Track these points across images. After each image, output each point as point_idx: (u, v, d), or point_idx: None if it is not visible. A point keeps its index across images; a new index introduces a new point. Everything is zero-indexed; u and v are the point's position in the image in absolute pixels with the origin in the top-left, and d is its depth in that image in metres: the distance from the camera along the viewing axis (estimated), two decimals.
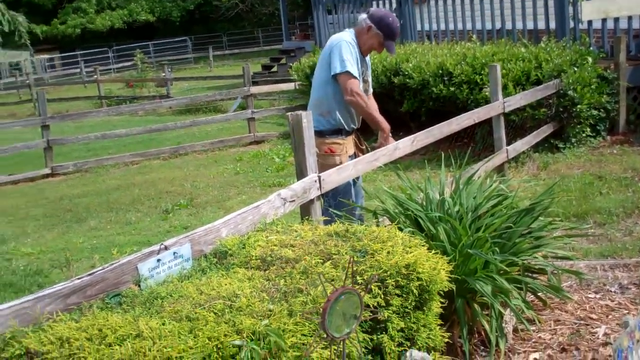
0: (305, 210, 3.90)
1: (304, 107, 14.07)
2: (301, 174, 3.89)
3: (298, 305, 2.31)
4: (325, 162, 4.80)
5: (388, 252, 2.78)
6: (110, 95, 22.78)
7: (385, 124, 5.00)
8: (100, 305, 2.64)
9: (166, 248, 3.00)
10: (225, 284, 2.59)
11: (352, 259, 2.09)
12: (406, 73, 9.73)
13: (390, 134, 5.11)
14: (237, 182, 9.84)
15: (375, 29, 4.87)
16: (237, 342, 2.04)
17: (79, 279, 2.70)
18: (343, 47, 4.80)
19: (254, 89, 13.71)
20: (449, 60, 9.30)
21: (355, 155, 5.04)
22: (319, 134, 4.83)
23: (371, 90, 5.26)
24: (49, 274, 6.39)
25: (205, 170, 11.05)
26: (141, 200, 9.19)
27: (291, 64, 14.07)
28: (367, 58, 5.17)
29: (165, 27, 42.69)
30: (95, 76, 23.54)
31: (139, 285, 2.83)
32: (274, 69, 22.84)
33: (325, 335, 2.00)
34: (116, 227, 8.00)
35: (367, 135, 5.51)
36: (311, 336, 2.18)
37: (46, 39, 39.14)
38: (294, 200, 3.70)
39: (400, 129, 9.53)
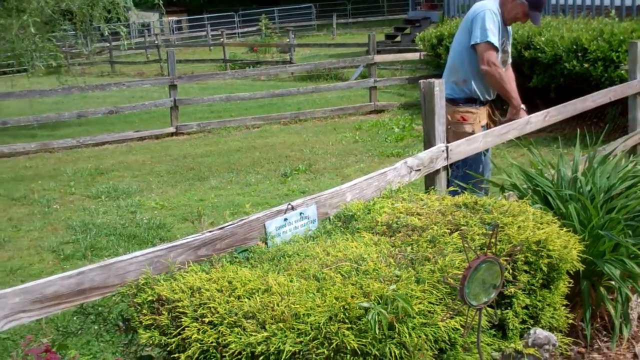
0: (430, 180, 3.87)
1: (427, 78, 13.82)
2: (429, 142, 3.85)
3: (426, 273, 2.30)
4: (457, 130, 4.81)
5: (519, 227, 2.72)
6: (235, 59, 23.28)
7: (517, 100, 4.93)
8: (229, 259, 2.73)
9: (293, 208, 3.06)
10: (352, 247, 2.61)
11: (496, 226, 2.05)
12: (538, 47, 9.40)
13: (523, 109, 4.99)
14: (355, 150, 9.88)
15: None
16: (365, 304, 2.06)
17: (210, 232, 2.79)
18: (487, 15, 4.73)
19: (378, 58, 13.64)
20: (585, 35, 8.91)
21: (487, 127, 4.98)
22: (452, 101, 4.83)
23: (510, 60, 5.18)
24: (171, 228, 6.66)
25: (324, 137, 11.14)
26: (261, 163, 9.39)
27: (417, 34, 13.87)
28: (509, 28, 5.08)
29: None
30: (222, 39, 24.09)
31: (266, 243, 2.90)
32: (398, 38, 22.60)
33: (460, 303, 1.99)
34: (236, 188, 8.22)
35: (502, 108, 5.39)
36: (438, 304, 2.17)
37: (175, 2, 40.44)
38: (419, 170, 3.67)
39: (527, 105, 9.21)
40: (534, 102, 9.67)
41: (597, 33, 8.87)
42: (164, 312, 2.31)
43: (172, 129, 12.32)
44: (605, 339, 3.64)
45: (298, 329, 2.08)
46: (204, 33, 34.67)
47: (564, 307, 3.05)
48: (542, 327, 2.89)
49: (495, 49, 4.74)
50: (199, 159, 10.04)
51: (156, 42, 28.30)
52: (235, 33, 35.66)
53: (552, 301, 2.92)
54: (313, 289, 2.26)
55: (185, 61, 23.19)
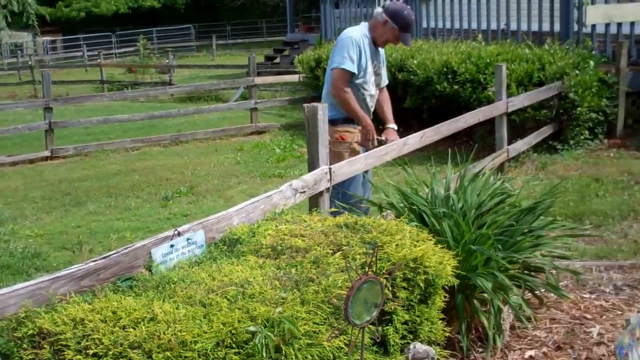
0: (314, 201, 3.97)
1: (306, 100, 14.05)
2: (313, 165, 3.96)
3: (310, 294, 2.37)
4: (336, 149, 4.96)
5: (397, 245, 2.85)
6: (113, 80, 22.78)
7: (366, 121, 5.07)
8: (112, 289, 2.70)
9: (179, 234, 3.06)
10: (238, 271, 2.65)
11: (376, 246, 2.15)
12: (411, 69, 9.80)
13: (393, 130, 5.21)
14: (237, 171, 9.90)
15: (391, 22, 5.00)
16: (252, 329, 2.11)
17: (93, 261, 2.76)
18: (347, 43, 4.95)
19: (259, 80, 13.75)
20: (454, 58, 9.37)
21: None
22: (332, 122, 4.93)
23: (385, 82, 5.41)
24: (47, 257, 6.44)
25: (205, 158, 11.10)
26: (141, 187, 9.24)
27: (295, 56, 14.11)
28: (382, 51, 5.29)
29: (169, 14, 42.64)
30: (99, 60, 23.51)
31: (150, 270, 2.89)
32: (277, 60, 22.86)
33: (344, 322, 2.07)
34: (115, 212, 8.05)
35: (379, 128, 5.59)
36: (323, 324, 2.25)
37: (49, 22, 39.09)
38: (304, 192, 3.77)
39: (401, 126, 9.54)
40: (409, 122, 10.06)
41: (466, 56, 9.35)
42: (45, 346, 2.27)
43: (47, 153, 11.90)
44: (480, 350, 3.84)
45: (185, 357, 2.10)
46: (79, 53, 33.69)
47: (441, 321, 3.20)
48: (421, 341, 3.03)
49: (349, 75, 4.93)
50: (76, 183, 9.75)
51: (29, 62, 27.25)
52: (112, 53, 34.91)
53: (430, 316, 3.07)
54: (200, 315, 2.28)
55: (60, 82, 22.43)
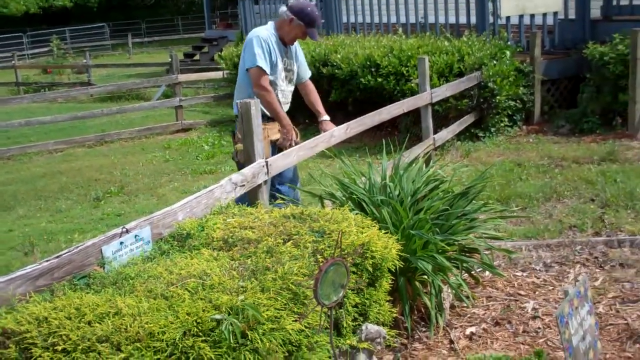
0: (253, 195, 4.06)
1: (231, 97, 14.00)
2: (249, 159, 4.04)
3: (269, 282, 2.47)
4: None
5: (344, 232, 2.98)
6: (28, 81, 22.13)
7: (285, 120, 5.21)
8: (69, 287, 2.73)
9: (127, 231, 3.10)
10: (193, 264, 2.72)
11: (340, 232, 2.27)
12: (335, 64, 9.95)
13: (291, 131, 5.26)
14: (167, 169, 9.86)
15: (296, 20, 5.15)
16: (218, 317, 2.19)
17: (47, 261, 2.78)
18: (254, 42, 5.09)
19: (182, 77, 13.67)
20: (377, 52, 9.58)
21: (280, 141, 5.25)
22: None
23: (307, 75, 5.58)
24: None
25: (133, 157, 10.99)
26: (70, 188, 9.09)
27: (219, 52, 14.08)
28: (294, 48, 5.41)
29: (82, 13, 41.61)
30: (13, 62, 22.76)
31: (103, 267, 2.93)
32: (197, 57, 22.70)
33: (303, 306, 2.18)
34: (46, 215, 7.92)
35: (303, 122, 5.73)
36: (284, 310, 2.35)
37: None
38: (244, 185, 3.85)
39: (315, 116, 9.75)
40: (335, 115, 10.22)
41: (388, 49, 9.56)
42: (11, 345, 2.29)
43: None
44: (424, 329, 4.02)
45: (154, 347, 2.17)
46: None
47: (387, 303, 3.35)
48: (371, 323, 3.17)
49: (265, 72, 5.07)
50: (1, 187, 9.51)
51: None
52: (24, 54, 33.81)
53: (378, 298, 3.21)
54: (164, 307, 2.35)
55: None
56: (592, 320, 2.82)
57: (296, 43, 5.41)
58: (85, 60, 22.08)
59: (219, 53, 13.75)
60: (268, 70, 5.08)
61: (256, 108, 4.04)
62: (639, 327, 3.92)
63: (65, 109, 16.46)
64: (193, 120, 13.63)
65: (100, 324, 2.31)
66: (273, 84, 5.18)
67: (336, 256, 2.27)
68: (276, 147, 5.18)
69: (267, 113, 5.16)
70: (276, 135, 5.24)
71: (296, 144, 5.16)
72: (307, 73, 5.58)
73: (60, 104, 18.28)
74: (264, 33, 5.14)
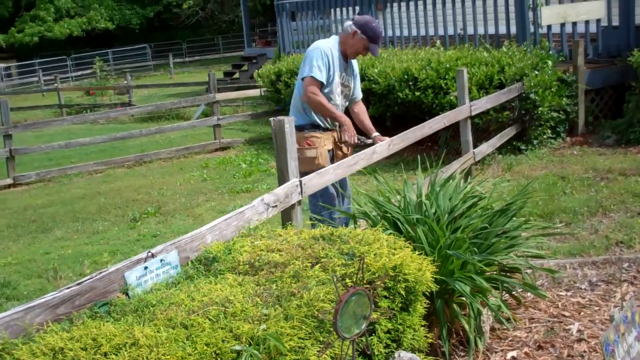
0: (286, 215, 3.94)
1: (269, 114, 14.01)
2: (283, 178, 3.93)
3: (293, 309, 2.34)
4: (304, 155, 5.03)
5: (375, 254, 2.84)
6: (71, 103, 22.47)
7: (342, 117, 5.20)
8: (89, 315, 2.64)
9: (153, 256, 3.01)
10: (217, 290, 2.61)
11: (363, 258, 2.13)
12: (372, 78, 9.82)
13: (351, 126, 5.29)
14: (204, 189, 9.82)
15: (360, 33, 5.13)
16: (237, 348, 2.07)
17: (67, 288, 2.69)
18: (316, 53, 5.08)
19: (219, 96, 13.68)
20: (414, 65, 9.43)
21: (333, 152, 5.26)
22: (298, 128, 5.04)
23: (360, 96, 5.58)
24: (17, 286, 6.31)
25: (171, 177, 10.99)
26: (107, 209, 9.11)
27: (257, 70, 14.08)
28: (354, 64, 5.41)
29: (124, 34, 42.28)
30: (56, 84, 23.15)
31: (127, 294, 2.84)
32: (236, 75, 22.81)
33: (329, 335, 2.04)
34: (83, 237, 7.92)
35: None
36: (308, 339, 2.22)
37: (3, 48, 38.49)
38: (276, 206, 3.73)
39: (366, 135, 9.64)
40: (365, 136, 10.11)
41: (426, 62, 9.41)
42: None
43: (9, 181, 11.68)
44: (462, 354, 3.84)
45: None
46: (35, 78, 33.19)
47: (422, 327, 3.19)
48: (404, 349, 3.01)
49: (319, 83, 5.05)
50: (41, 209, 9.58)
51: None
52: (68, 77, 34.47)
53: (412, 323, 3.05)
54: (182, 337, 2.24)
55: (17, 109, 22.07)
56: None
57: (354, 61, 5.39)
58: (126, 82, 22.34)
59: (257, 71, 13.73)
60: (323, 81, 5.07)
61: (290, 126, 3.93)
62: None
63: (106, 130, 16.65)
64: (231, 138, 13.62)
65: (116, 355, 2.20)
66: (327, 97, 5.15)
67: (358, 284, 2.13)
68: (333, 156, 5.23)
69: (320, 123, 5.18)
70: (330, 146, 5.25)
71: (362, 142, 5.28)
72: (359, 93, 5.59)
73: (101, 125, 18.52)
74: (325, 45, 5.16)
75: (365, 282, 2.62)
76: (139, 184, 10.70)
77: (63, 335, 2.39)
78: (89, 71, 31.91)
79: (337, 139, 5.32)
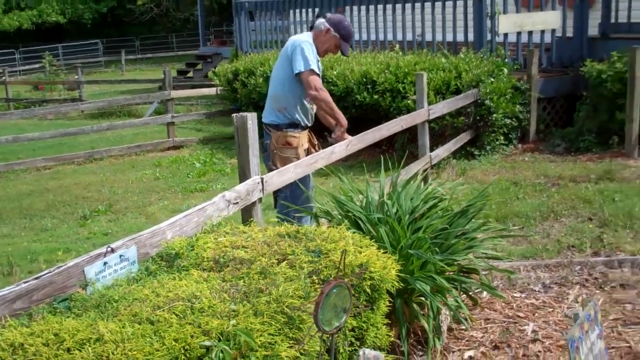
0: (247, 212, 3.90)
1: (224, 113, 13.81)
2: (244, 175, 3.89)
3: (262, 305, 2.32)
4: (284, 154, 5.09)
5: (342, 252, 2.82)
6: (19, 98, 21.94)
7: (344, 120, 5.31)
8: (49, 310, 2.57)
9: (113, 250, 2.95)
10: (182, 286, 2.57)
11: (344, 251, 2.12)
12: (330, 80, 9.83)
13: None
14: (157, 187, 9.68)
15: (333, 31, 5.18)
16: (207, 343, 2.04)
17: (25, 282, 2.62)
18: (305, 46, 5.07)
19: (175, 93, 13.52)
20: (373, 68, 9.47)
21: (308, 151, 5.29)
22: (277, 127, 5.15)
23: None
24: None
25: (122, 175, 10.81)
26: (56, 207, 8.90)
27: (212, 69, 13.95)
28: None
29: (76, 29, 41.46)
30: (3, 78, 22.58)
31: (85, 289, 2.77)
32: (190, 74, 22.59)
33: (298, 331, 2.02)
34: (31, 234, 7.73)
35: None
36: (278, 335, 2.20)
37: None
38: (237, 202, 3.70)
39: (321, 137, 9.64)
40: (329, 132, 10.10)
41: (385, 66, 9.46)
42: None
43: None
44: (421, 353, 3.86)
45: None
46: None
47: (384, 326, 3.20)
48: (368, 348, 3.01)
49: (318, 75, 5.08)
50: None
51: None
52: (16, 71, 33.64)
53: (375, 321, 3.06)
54: (149, 333, 2.19)
55: None
56: (602, 344, 2.68)
57: None
58: (77, 77, 21.91)
59: (213, 70, 13.61)
60: (320, 74, 5.13)
61: (253, 122, 3.90)
62: None
63: (55, 125, 16.29)
64: (185, 137, 13.47)
65: (80, 351, 2.14)
66: None
67: (338, 277, 2.12)
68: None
69: (301, 121, 5.21)
70: (306, 145, 5.29)
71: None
72: None
73: (50, 120, 18.11)
74: (308, 39, 5.15)
75: (364, 271, 2.61)
76: (89, 181, 10.49)
77: (23, 330, 2.32)
78: (37, 65, 31.20)
79: (311, 138, 5.36)
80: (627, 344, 3.88)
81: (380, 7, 11.53)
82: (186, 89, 16.29)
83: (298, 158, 5.00)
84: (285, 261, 2.75)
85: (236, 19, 15.27)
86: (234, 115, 3.92)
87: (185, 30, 39.40)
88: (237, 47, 15.52)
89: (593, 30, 10.31)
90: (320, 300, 2.00)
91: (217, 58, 20.63)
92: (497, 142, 9.14)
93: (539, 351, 3.86)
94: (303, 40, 5.10)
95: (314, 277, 2.62)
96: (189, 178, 10.16)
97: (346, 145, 5.24)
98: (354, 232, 3.65)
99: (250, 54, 13.83)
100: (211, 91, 14.39)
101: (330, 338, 2.14)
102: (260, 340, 2.13)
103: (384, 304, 3.09)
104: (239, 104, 12.35)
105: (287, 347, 2.20)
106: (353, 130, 5.89)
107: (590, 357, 2.49)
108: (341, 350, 2.76)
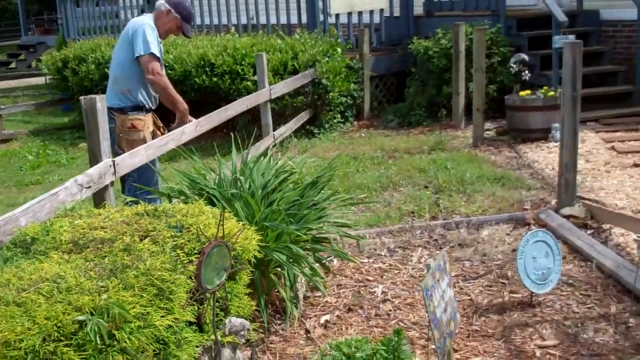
0: (99, 196, 3.86)
1: (53, 103, 13.22)
2: (95, 159, 3.84)
3: (132, 279, 2.35)
4: (130, 137, 5.04)
5: (204, 225, 2.90)
6: None
7: (184, 105, 5.32)
8: None
9: None
10: (44, 269, 2.54)
11: (222, 212, 2.19)
12: (167, 64, 9.73)
13: (188, 115, 5.43)
14: None
15: (174, 12, 5.20)
16: (82, 318, 2.05)
17: None
18: (147, 29, 5.04)
19: (1, 84, 12.78)
20: (210, 51, 9.48)
21: (154, 134, 5.26)
22: (121, 110, 5.08)
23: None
24: None
25: None
26: None
27: (39, 58, 13.33)
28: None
29: None
30: None
31: None
32: (12, 65, 21.40)
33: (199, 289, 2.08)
34: None
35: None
36: (151, 306, 2.25)
37: None
38: (90, 187, 3.66)
39: (162, 121, 9.52)
40: (168, 117, 10.01)
41: (222, 48, 9.50)
42: None
43: None
44: (280, 322, 4.01)
45: (12, 357, 2.00)
46: None
47: (246, 296, 3.31)
48: (232, 316, 3.11)
49: (158, 59, 5.06)
50: None
51: None
52: None
53: (238, 291, 3.16)
54: (18, 314, 2.17)
55: None
56: (452, 292, 2.94)
57: None
58: None
59: (39, 58, 13.00)
60: (161, 57, 5.09)
61: (102, 104, 3.85)
62: (482, 301, 4.15)
63: None
64: (14, 130, 12.78)
65: None
66: None
67: (218, 238, 2.20)
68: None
69: (145, 104, 5.17)
70: (152, 127, 5.25)
71: None
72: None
73: None
74: (149, 22, 5.10)
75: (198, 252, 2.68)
76: None
77: None
78: None
79: (156, 120, 5.31)
80: (469, 297, 4.24)
81: None
82: (10, 80, 15.43)
83: (145, 141, 4.97)
84: (148, 237, 2.78)
85: (61, 6, 14.66)
86: (81, 97, 3.85)
87: (3, 19, 37.04)
88: (64, 35, 14.91)
89: (418, 9, 10.91)
90: (202, 259, 2.07)
91: (42, 47, 19.71)
92: (335, 120, 9.48)
93: (390, 310, 4.13)
94: (144, 23, 5.08)
95: (179, 251, 2.68)
96: (22, 171, 9.70)
97: (195, 126, 5.28)
98: (211, 208, 3.73)
99: (79, 40, 13.35)
100: (40, 80, 13.74)
101: (212, 295, 2.22)
102: (134, 312, 2.17)
103: (245, 274, 3.20)
104: (70, 92, 11.91)
105: (160, 316, 2.26)
106: (194, 114, 5.94)
107: (442, 304, 2.73)
108: (207, 321, 2.84)
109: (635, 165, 6.74)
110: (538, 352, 3.54)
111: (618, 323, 3.79)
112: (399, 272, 4.69)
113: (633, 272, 3.95)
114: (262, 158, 4.48)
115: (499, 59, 9.14)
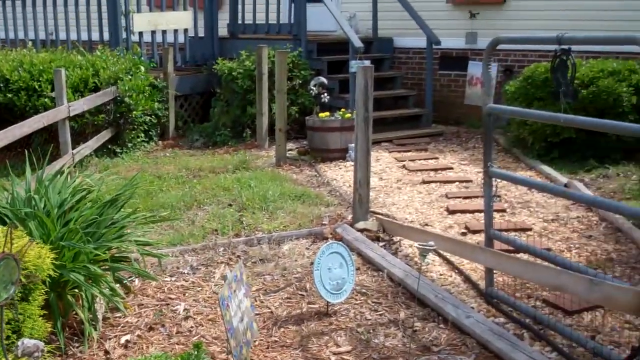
0: None
1: None
2: None
3: None
4: None
5: None
6: None
7: None
8: None
9: None
10: None
11: (10, 226, 2.12)
12: None
13: None
14: None
15: None
16: None
17: None
18: None
19: None
20: (5, 66, 9.01)
21: None
22: None
23: None
24: None
25: None
26: None
27: None
28: None
29: None
30: None
31: None
32: None
33: None
34: None
35: None
36: None
37: None
38: None
39: None
40: None
41: (18, 64, 9.05)
42: None
43: None
44: (77, 344, 3.91)
45: None
46: None
47: (41, 318, 3.21)
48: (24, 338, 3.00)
49: None
50: None
51: None
52: None
53: (32, 313, 3.07)
54: None
55: None
56: (248, 302, 3.05)
57: None
58: None
59: None
60: None
61: None
62: (282, 313, 4.31)
63: None
64: None
65: None
66: None
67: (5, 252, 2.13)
68: None
69: None
70: None
71: None
72: None
73: None
74: None
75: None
76: None
77: None
78: None
79: None
80: (269, 310, 4.38)
81: (8, 2, 10.97)
82: None
83: None
84: None
85: None
86: None
87: None
88: None
89: (223, 31, 11.07)
90: None
91: None
92: (139, 139, 9.35)
93: (192, 327, 4.17)
94: None
95: (3, 250, 2.56)
96: None
97: None
98: (1, 227, 3.58)
99: None
100: None
101: (0, 309, 2.15)
102: None
103: (39, 294, 3.11)
104: None
105: None
106: None
107: (239, 313, 2.83)
108: None
109: (424, 182, 7.30)
110: (333, 359, 3.75)
111: (406, 327, 4.11)
112: (201, 289, 4.74)
113: (417, 279, 4.29)
114: (58, 176, 4.36)
115: (300, 82, 9.52)
